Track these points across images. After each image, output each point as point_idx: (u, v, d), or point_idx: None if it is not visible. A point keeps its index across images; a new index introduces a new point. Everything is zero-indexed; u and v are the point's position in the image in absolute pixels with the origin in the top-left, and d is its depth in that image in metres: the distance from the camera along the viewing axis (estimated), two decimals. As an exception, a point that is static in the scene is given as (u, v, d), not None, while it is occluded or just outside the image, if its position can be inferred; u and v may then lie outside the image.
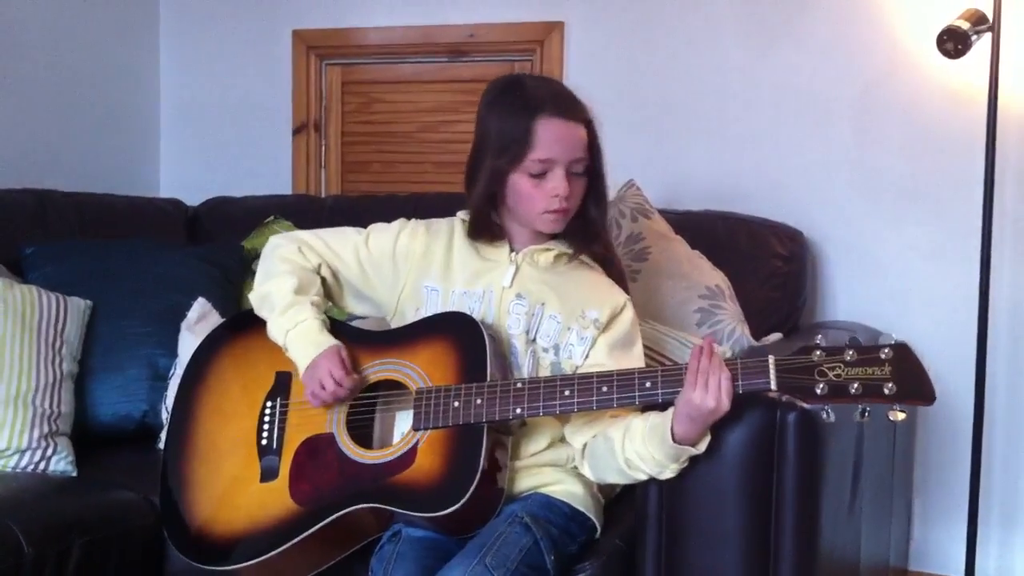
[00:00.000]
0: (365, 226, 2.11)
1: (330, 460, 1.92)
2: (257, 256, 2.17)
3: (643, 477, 1.85)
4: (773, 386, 1.70)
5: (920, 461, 2.91)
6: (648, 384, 1.78)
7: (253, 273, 2.14)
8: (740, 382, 1.72)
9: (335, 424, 1.95)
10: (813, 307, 2.96)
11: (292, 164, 3.57)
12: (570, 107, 1.94)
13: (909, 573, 2.93)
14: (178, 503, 2.02)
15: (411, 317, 2.03)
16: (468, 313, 1.96)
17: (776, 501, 1.83)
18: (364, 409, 1.97)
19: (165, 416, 2.49)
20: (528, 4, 3.25)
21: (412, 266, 2.05)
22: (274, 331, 2.01)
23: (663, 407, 1.81)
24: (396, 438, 1.93)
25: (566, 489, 1.96)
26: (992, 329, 2.70)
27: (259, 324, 2.05)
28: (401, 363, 1.96)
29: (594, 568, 1.93)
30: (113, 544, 2.15)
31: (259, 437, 2.01)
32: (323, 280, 2.08)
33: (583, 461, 1.94)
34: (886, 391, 1.63)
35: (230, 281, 2.84)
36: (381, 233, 2.08)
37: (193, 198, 3.33)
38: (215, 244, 3.07)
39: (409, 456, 1.86)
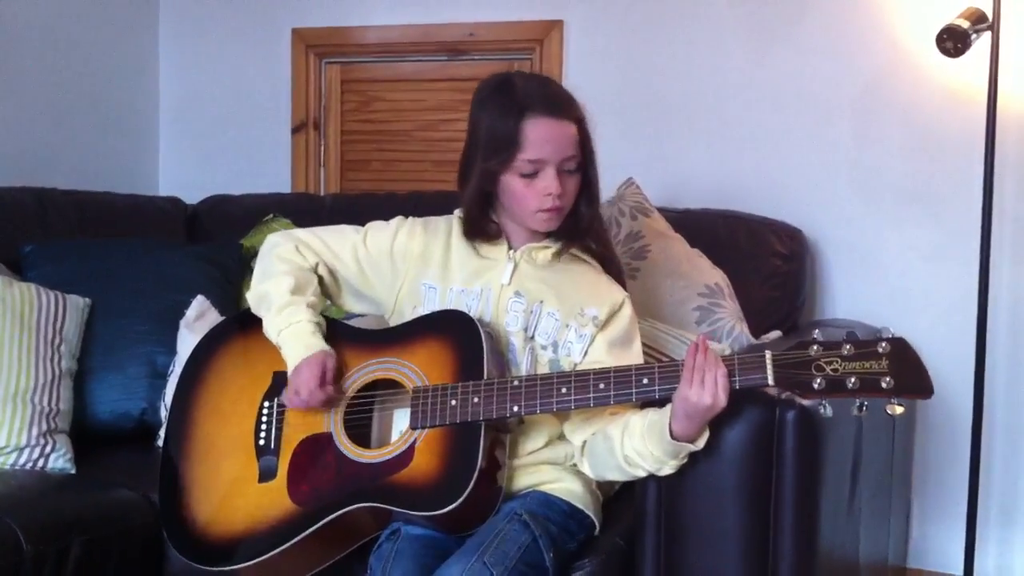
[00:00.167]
0: (364, 224, 2.11)
1: (328, 460, 1.92)
2: (256, 254, 2.17)
3: (642, 474, 1.85)
4: (770, 381, 1.70)
5: (919, 459, 2.91)
6: (645, 381, 1.78)
7: (252, 271, 2.14)
8: (737, 378, 1.72)
9: (333, 424, 1.95)
10: (812, 306, 2.96)
11: (291, 163, 3.57)
12: (559, 105, 1.93)
13: (908, 571, 2.93)
14: (177, 503, 2.02)
15: (409, 315, 2.03)
16: (466, 311, 1.96)
17: (775, 499, 1.83)
18: (362, 408, 1.97)
19: (164, 414, 2.50)
20: (528, 3, 3.25)
21: (410, 264, 2.05)
22: (269, 330, 2.01)
23: (661, 404, 1.81)
24: (394, 437, 1.93)
25: (565, 487, 1.96)
26: (991, 328, 2.70)
27: (258, 324, 2.05)
28: (398, 362, 1.95)
29: (593, 566, 1.92)
30: (112, 542, 2.15)
31: (257, 437, 2.00)
32: (321, 279, 2.07)
33: (583, 459, 1.94)
34: (884, 385, 1.63)
35: (229, 280, 2.85)
36: (379, 232, 2.08)
37: (192, 197, 3.33)
38: (214, 243, 3.07)
39: (407, 455, 1.86)
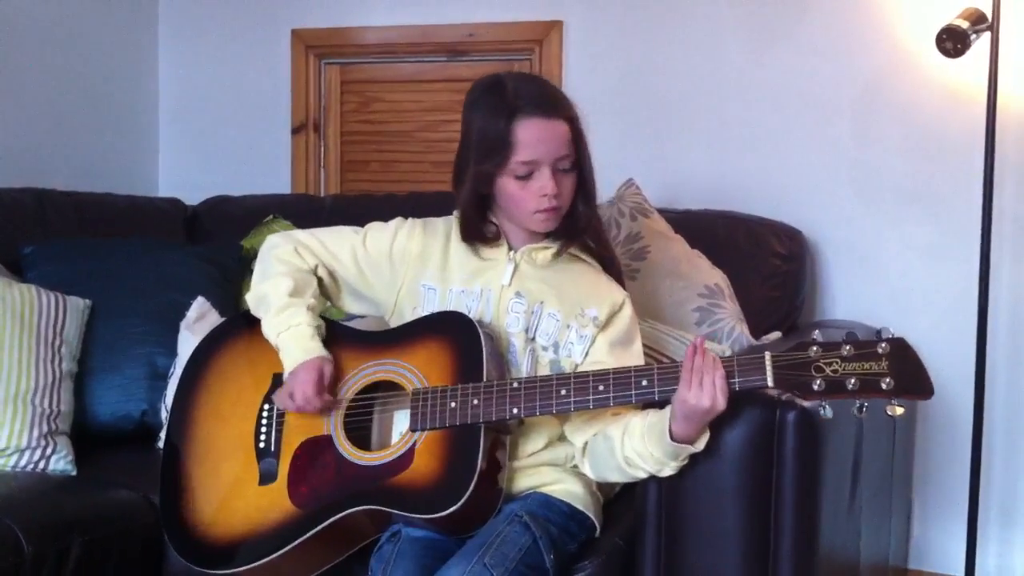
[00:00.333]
0: (363, 225, 2.11)
1: (328, 462, 1.92)
2: (256, 255, 2.17)
3: (643, 475, 1.85)
4: (770, 382, 1.70)
5: (920, 459, 2.91)
6: (645, 382, 1.77)
7: (252, 272, 2.14)
8: (736, 379, 1.72)
9: (333, 426, 1.95)
10: (812, 306, 2.96)
11: (291, 163, 3.56)
12: (549, 104, 1.92)
13: (909, 572, 2.92)
14: (178, 505, 2.02)
15: (409, 316, 2.03)
16: (465, 312, 1.96)
17: (775, 500, 1.83)
18: (362, 410, 1.97)
19: (164, 415, 2.50)
20: (527, 3, 3.25)
21: (409, 265, 2.04)
22: (268, 331, 2.01)
23: (661, 405, 1.81)
24: (394, 439, 1.93)
25: (565, 488, 1.96)
26: (991, 328, 2.70)
27: (258, 325, 2.05)
28: (398, 364, 1.95)
29: (593, 567, 1.93)
30: (112, 543, 2.16)
31: (257, 439, 2.00)
32: (320, 280, 2.07)
33: (584, 460, 1.94)
34: (884, 385, 1.63)
35: (229, 280, 2.84)
36: (378, 233, 2.08)
37: (192, 197, 3.32)
38: (214, 243, 3.07)
39: (407, 457, 1.86)
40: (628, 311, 2.01)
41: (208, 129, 3.67)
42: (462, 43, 3.34)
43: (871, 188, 2.94)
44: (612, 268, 2.07)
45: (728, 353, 2.19)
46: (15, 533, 1.99)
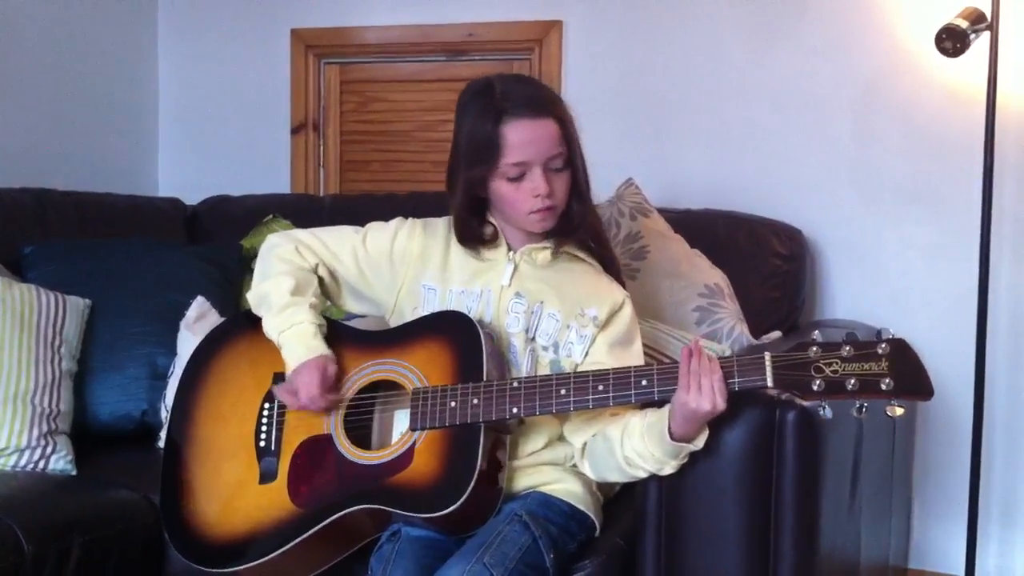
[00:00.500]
0: (363, 225, 2.11)
1: (328, 461, 1.92)
2: (256, 255, 2.17)
3: (643, 475, 1.85)
4: (769, 383, 1.70)
5: (920, 460, 2.91)
6: (644, 382, 1.78)
7: (253, 272, 2.14)
8: (736, 379, 1.72)
9: (333, 425, 1.95)
10: (812, 306, 2.96)
11: (291, 163, 3.57)
12: (537, 104, 1.91)
13: (909, 571, 2.93)
14: (178, 504, 2.02)
15: (409, 316, 2.03)
16: (465, 312, 1.96)
17: (775, 499, 1.83)
18: (362, 410, 1.97)
19: (164, 415, 2.50)
20: (527, 3, 3.25)
21: (410, 265, 2.05)
22: (269, 330, 2.01)
23: (660, 404, 1.81)
24: (394, 438, 1.93)
25: (565, 488, 1.96)
26: (991, 327, 2.70)
27: (258, 325, 2.05)
28: (398, 363, 1.95)
29: (593, 566, 1.92)
30: (113, 543, 2.16)
31: (257, 439, 2.00)
32: (321, 280, 2.07)
33: (583, 460, 1.94)
34: (883, 386, 1.63)
35: (229, 280, 2.85)
36: (379, 232, 2.08)
37: (192, 197, 3.33)
38: (214, 243, 3.07)
39: (407, 457, 1.86)
40: (628, 311, 2.01)
41: (208, 129, 3.67)
42: (462, 43, 3.34)
43: (871, 188, 2.94)
44: (612, 268, 2.07)
45: (728, 353, 2.19)
46: (15, 533, 1.99)
